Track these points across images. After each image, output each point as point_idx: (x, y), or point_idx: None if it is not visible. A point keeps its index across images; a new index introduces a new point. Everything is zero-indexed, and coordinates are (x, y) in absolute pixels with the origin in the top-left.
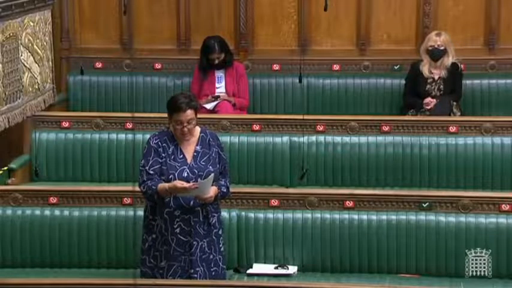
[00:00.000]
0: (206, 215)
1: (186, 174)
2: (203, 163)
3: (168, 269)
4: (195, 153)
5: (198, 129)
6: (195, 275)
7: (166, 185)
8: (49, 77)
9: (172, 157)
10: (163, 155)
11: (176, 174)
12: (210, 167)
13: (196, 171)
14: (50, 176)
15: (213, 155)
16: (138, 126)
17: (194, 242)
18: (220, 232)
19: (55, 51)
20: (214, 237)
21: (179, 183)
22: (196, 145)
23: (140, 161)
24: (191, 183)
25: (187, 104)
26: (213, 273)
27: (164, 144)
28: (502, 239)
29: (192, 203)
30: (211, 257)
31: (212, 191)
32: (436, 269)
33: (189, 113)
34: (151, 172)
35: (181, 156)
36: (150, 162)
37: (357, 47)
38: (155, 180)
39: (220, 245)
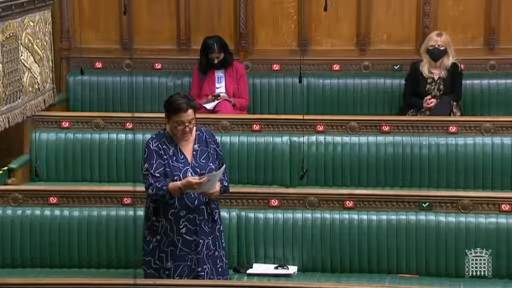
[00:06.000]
0: (210, 212)
1: (190, 174)
2: (203, 161)
3: (175, 270)
4: (194, 152)
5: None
6: (202, 273)
7: (179, 183)
8: (49, 77)
9: (174, 158)
10: (165, 157)
11: (181, 175)
12: (211, 164)
13: (198, 170)
14: (50, 176)
15: (211, 151)
16: (138, 126)
17: (200, 241)
18: (221, 228)
19: (55, 51)
20: (217, 233)
21: (193, 179)
22: (194, 144)
23: (143, 165)
24: (205, 178)
25: (188, 104)
26: (220, 269)
27: (164, 146)
28: (502, 239)
29: (196, 202)
30: (216, 253)
31: (217, 185)
32: (436, 269)
33: (190, 112)
34: (157, 175)
35: (182, 156)
36: (154, 165)
37: (357, 47)
38: (163, 181)
39: (222, 241)
